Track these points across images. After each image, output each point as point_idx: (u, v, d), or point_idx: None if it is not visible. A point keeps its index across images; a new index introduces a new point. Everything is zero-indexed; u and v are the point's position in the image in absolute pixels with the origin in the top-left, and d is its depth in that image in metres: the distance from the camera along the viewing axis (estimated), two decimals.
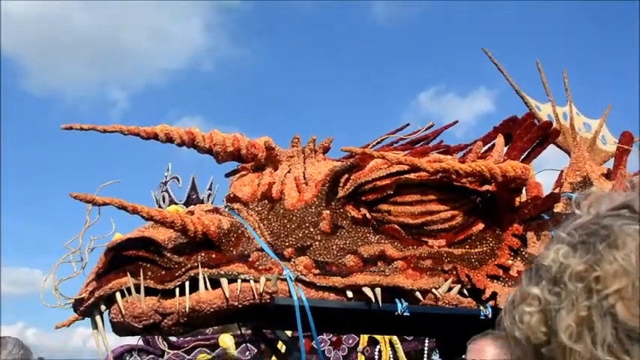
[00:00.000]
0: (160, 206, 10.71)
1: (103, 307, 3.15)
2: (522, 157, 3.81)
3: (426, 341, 7.83)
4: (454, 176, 3.49)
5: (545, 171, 4.79)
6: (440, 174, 3.46)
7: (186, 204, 10.55)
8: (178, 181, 12.14)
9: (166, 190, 11.97)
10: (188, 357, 8.34)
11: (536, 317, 0.79)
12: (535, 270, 0.83)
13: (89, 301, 3.13)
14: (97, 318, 3.17)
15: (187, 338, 8.35)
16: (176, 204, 10.52)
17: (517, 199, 3.72)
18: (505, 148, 3.81)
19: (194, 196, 11.88)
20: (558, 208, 3.90)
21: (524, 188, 3.77)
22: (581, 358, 0.73)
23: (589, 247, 0.77)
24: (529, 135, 3.82)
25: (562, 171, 4.73)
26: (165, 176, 12.15)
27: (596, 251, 0.76)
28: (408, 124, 4.28)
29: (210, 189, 12.29)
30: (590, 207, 0.84)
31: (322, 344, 7.92)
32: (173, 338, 8.25)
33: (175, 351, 8.33)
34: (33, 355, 2.71)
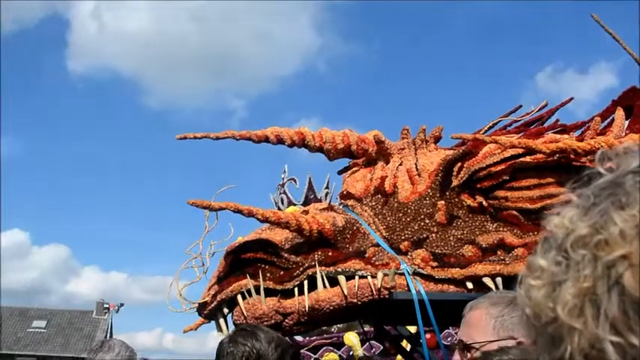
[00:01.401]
0: (278, 208, 10.88)
1: (225, 310, 3.22)
2: None
3: None
4: (572, 156, 3.33)
5: None
6: (557, 155, 3.31)
7: (305, 204, 10.64)
8: (295, 182, 12.28)
9: (284, 192, 12.14)
10: (314, 356, 8.43)
11: (543, 291, 0.68)
12: (545, 238, 0.73)
13: (212, 305, 3.21)
14: (221, 321, 3.24)
15: (313, 337, 8.45)
16: (294, 205, 10.65)
17: None
18: (626, 122, 3.60)
19: (311, 196, 11.97)
20: None
21: None
22: (582, 336, 0.63)
23: (599, 209, 0.66)
24: None
25: None
26: (283, 178, 12.33)
27: (603, 212, 0.65)
28: (520, 106, 4.13)
29: (327, 187, 12.36)
30: (617, 166, 0.73)
31: (449, 338, 7.79)
32: (299, 337, 8.36)
33: (302, 350, 8.44)
34: (137, 356, 2.80)
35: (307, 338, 8.42)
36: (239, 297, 3.14)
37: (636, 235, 0.62)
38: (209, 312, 3.25)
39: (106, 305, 36.87)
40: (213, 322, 3.33)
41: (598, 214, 0.66)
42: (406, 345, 4.84)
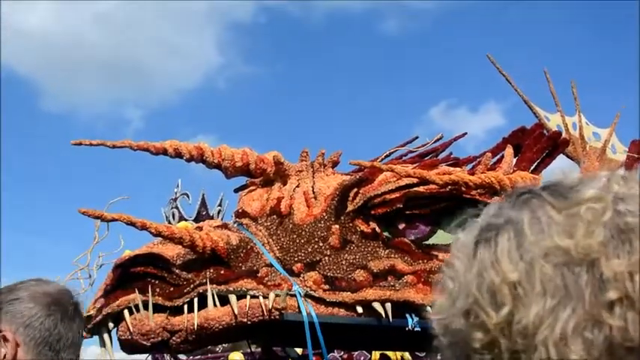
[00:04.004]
0: (169, 223, 10.69)
1: (110, 325, 3.12)
2: (532, 167, 3.77)
3: (439, 358, 7.74)
4: (464, 188, 3.45)
5: None
6: (449, 186, 3.43)
7: (196, 220, 10.50)
8: (188, 197, 12.11)
9: (176, 207, 11.95)
10: None
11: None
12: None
13: (97, 319, 3.11)
14: (105, 336, 3.14)
15: (197, 357, 8.29)
16: (186, 220, 10.49)
17: None
18: (514, 159, 3.78)
19: (204, 213, 11.84)
20: None
21: None
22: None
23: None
24: (538, 145, 3.79)
25: None
26: (175, 192, 12.13)
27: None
28: (417, 137, 4.25)
29: (220, 205, 12.24)
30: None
31: None
32: (182, 356, 8.18)
33: None
34: None
35: (191, 357, 8.27)
36: (126, 312, 3.05)
37: None
38: (93, 326, 3.14)
39: None
40: (95, 337, 3.23)
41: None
42: None
